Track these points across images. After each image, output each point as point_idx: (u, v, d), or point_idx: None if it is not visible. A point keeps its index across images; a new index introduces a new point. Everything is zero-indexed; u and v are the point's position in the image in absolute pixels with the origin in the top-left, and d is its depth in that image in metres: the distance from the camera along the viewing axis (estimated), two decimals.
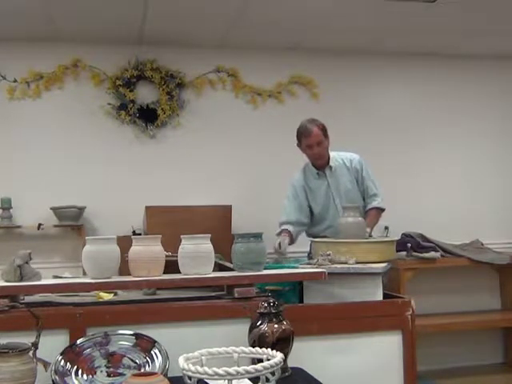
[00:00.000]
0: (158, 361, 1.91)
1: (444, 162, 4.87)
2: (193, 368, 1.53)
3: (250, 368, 1.52)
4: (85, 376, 1.85)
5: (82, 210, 4.18)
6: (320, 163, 3.50)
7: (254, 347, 1.82)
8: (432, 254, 4.22)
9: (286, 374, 1.93)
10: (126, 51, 4.40)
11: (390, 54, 4.80)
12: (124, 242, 2.26)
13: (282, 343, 1.91)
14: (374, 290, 2.48)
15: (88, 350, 1.94)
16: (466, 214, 4.78)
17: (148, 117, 4.43)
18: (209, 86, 4.58)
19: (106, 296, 2.36)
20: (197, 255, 2.21)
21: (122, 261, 2.20)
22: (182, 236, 2.27)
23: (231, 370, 1.50)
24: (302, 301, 2.57)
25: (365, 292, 2.47)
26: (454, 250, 4.41)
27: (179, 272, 2.25)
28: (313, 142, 3.39)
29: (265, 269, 2.37)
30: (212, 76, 4.59)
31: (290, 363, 1.98)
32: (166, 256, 2.26)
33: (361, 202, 3.47)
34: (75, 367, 1.87)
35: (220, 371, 1.50)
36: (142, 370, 1.87)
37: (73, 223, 4.16)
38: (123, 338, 1.99)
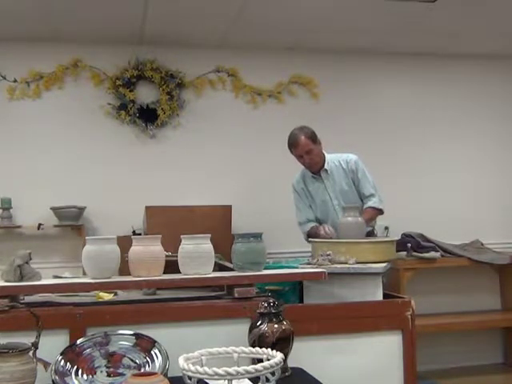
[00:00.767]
0: (158, 361, 1.91)
1: (444, 162, 4.87)
2: (193, 368, 1.53)
3: (250, 368, 1.52)
4: (85, 376, 1.85)
5: (82, 209, 4.18)
6: (314, 169, 3.50)
7: (254, 347, 1.82)
8: (432, 253, 4.22)
9: (286, 374, 1.93)
10: (126, 51, 4.40)
11: (390, 54, 4.80)
12: (124, 242, 2.26)
13: (282, 343, 1.91)
14: (373, 290, 2.48)
15: (88, 350, 1.94)
16: (466, 214, 4.79)
17: (148, 117, 4.43)
18: (209, 86, 4.58)
19: (106, 296, 2.36)
20: (197, 255, 2.21)
21: (122, 261, 2.20)
22: (182, 236, 2.27)
23: (231, 370, 1.50)
24: (302, 301, 2.57)
25: (365, 292, 2.47)
26: (454, 250, 4.41)
27: (179, 272, 2.25)
28: (301, 152, 3.38)
29: (265, 269, 2.37)
30: (212, 76, 4.59)
31: (290, 363, 1.98)
32: (166, 256, 2.26)
33: (359, 203, 3.44)
34: (75, 367, 1.87)
35: (220, 371, 1.50)
36: (142, 370, 1.86)
37: (73, 223, 4.16)
38: (123, 338, 1.99)
